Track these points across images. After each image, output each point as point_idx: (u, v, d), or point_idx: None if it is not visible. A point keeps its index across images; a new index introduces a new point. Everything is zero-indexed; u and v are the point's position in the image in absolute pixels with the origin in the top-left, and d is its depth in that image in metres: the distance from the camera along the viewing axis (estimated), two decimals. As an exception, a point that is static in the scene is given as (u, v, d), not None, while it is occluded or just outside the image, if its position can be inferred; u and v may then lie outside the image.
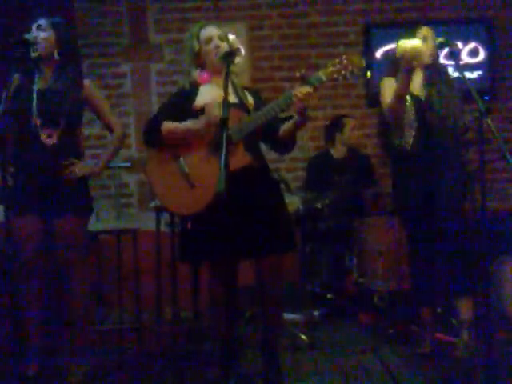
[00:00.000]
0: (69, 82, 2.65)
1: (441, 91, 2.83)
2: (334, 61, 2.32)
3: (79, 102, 2.69)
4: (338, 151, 4.18)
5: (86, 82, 2.73)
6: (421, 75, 2.90)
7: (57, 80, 2.63)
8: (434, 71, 2.87)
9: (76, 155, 2.70)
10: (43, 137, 2.57)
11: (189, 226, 2.55)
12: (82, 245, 2.69)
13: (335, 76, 2.32)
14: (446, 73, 2.96)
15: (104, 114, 2.79)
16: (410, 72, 2.72)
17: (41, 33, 2.61)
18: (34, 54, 2.59)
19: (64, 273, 2.65)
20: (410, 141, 2.85)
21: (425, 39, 2.82)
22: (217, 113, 2.32)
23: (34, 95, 2.58)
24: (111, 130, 2.82)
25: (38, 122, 2.56)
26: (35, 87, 2.61)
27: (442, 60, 3.01)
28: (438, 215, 2.83)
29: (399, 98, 2.79)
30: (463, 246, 2.81)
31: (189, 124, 2.46)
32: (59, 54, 2.64)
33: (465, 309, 2.84)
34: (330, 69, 2.32)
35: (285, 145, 2.57)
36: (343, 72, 2.31)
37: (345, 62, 2.31)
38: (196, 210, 2.42)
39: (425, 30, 2.87)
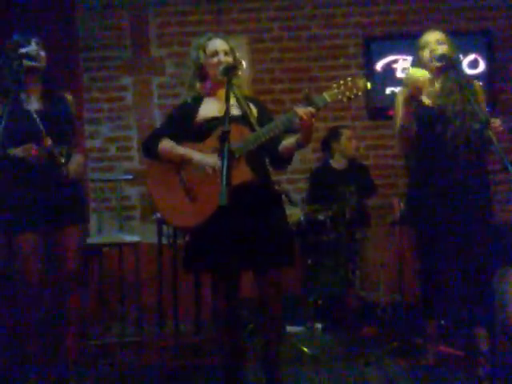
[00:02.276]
0: (56, 98, 2.68)
1: (457, 101, 2.66)
2: (338, 82, 2.33)
3: (73, 117, 2.75)
4: (337, 162, 4.18)
5: (68, 96, 2.76)
6: (438, 85, 2.76)
7: (50, 98, 2.66)
8: (453, 80, 2.69)
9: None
10: (56, 156, 2.56)
11: (187, 238, 2.55)
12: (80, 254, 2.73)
13: (339, 97, 2.33)
14: (467, 81, 2.71)
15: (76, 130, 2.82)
16: (411, 101, 2.60)
17: (40, 49, 2.62)
18: (30, 64, 2.56)
19: (61, 284, 2.66)
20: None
21: (427, 45, 2.75)
22: (214, 163, 2.35)
23: (35, 115, 2.55)
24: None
25: (50, 142, 2.55)
26: (30, 107, 2.59)
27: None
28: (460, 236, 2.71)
29: (404, 128, 2.67)
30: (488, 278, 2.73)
31: (186, 153, 2.46)
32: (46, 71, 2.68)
33: (482, 339, 2.70)
34: (335, 90, 2.33)
35: (282, 161, 2.56)
36: (347, 94, 2.32)
37: (349, 84, 2.31)
38: (196, 224, 2.42)
39: (435, 35, 2.79)
